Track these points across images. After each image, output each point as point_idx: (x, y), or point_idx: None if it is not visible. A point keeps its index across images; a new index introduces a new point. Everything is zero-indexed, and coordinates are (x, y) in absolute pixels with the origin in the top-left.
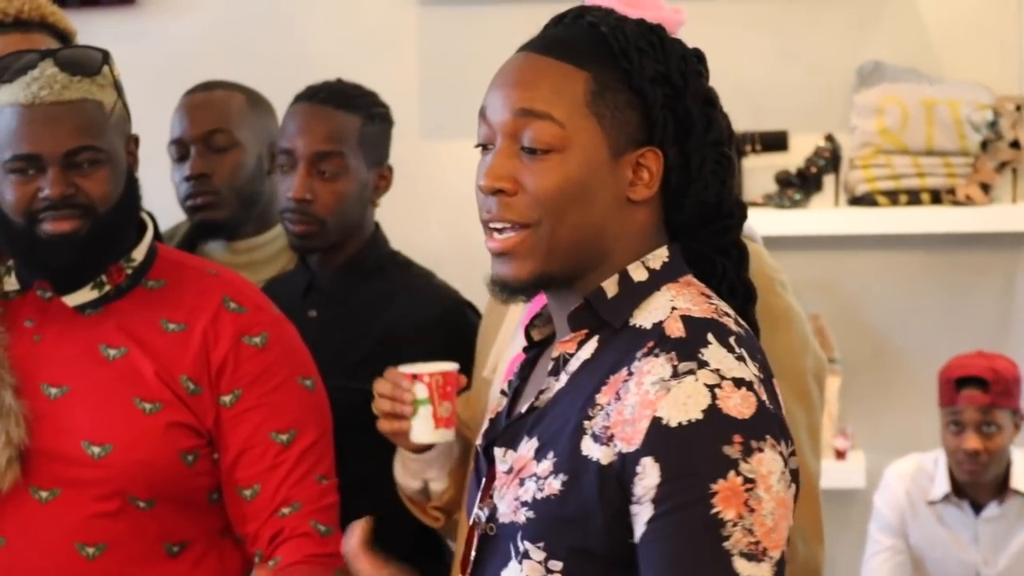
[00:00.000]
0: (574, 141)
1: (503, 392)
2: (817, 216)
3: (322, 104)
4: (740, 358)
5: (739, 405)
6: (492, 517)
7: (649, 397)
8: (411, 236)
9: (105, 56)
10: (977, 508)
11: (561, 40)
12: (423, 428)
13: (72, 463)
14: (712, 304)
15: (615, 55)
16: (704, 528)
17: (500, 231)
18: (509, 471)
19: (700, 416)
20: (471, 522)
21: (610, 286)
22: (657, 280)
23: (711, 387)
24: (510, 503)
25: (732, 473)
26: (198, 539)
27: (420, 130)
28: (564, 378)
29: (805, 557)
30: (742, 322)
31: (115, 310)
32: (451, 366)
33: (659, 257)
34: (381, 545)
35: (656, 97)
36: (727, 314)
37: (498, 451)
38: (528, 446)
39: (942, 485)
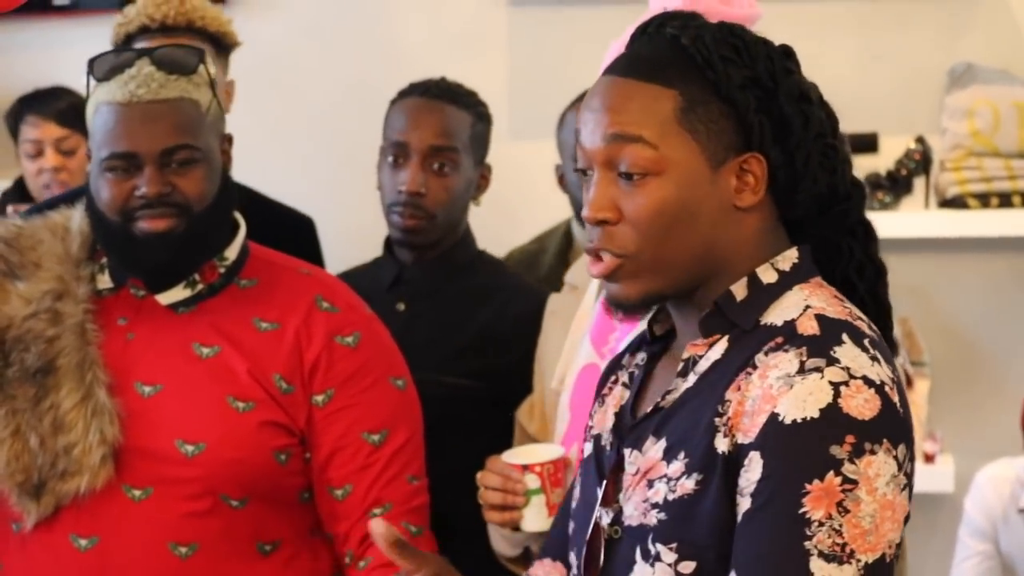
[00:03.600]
0: (670, 161)
1: (624, 385)
2: (907, 219)
3: (435, 99)
4: (875, 359)
5: (861, 406)
6: (617, 520)
7: (772, 392)
8: (500, 236)
9: (201, 55)
10: None
11: (644, 59)
12: (536, 517)
13: (166, 461)
14: (846, 307)
15: (700, 67)
16: (788, 525)
17: (600, 257)
18: (636, 473)
19: (816, 415)
20: (592, 524)
21: (739, 289)
22: (787, 281)
23: (836, 385)
24: (638, 505)
25: (831, 473)
26: (290, 538)
27: (509, 130)
28: (692, 378)
29: None
30: (874, 327)
31: (208, 309)
32: (558, 451)
33: (789, 259)
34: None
35: (748, 102)
36: (860, 318)
37: (625, 452)
38: (656, 447)
39: None
